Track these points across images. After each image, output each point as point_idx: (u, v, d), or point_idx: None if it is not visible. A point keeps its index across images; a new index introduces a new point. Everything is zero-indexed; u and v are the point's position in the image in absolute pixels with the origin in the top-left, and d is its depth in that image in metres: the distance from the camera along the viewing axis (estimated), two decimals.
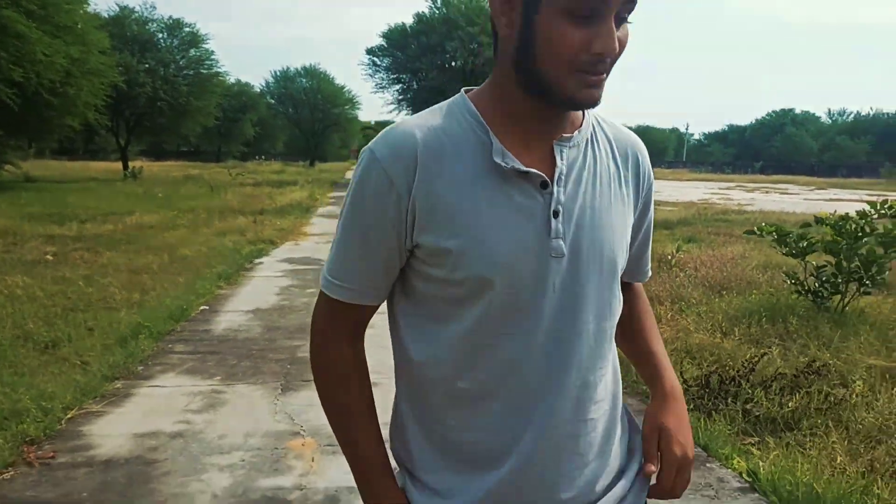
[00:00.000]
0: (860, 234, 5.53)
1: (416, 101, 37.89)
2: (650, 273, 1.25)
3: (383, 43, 38.03)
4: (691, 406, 3.74)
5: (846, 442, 3.22)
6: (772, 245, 6.38)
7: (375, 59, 38.54)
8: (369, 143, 0.98)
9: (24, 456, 3.08)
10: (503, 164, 0.94)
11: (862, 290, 5.78)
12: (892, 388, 3.82)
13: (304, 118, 59.62)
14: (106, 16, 31.14)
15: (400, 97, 39.17)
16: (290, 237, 11.57)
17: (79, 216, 13.24)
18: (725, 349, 4.63)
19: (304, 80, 61.84)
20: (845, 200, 24.29)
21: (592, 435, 1.02)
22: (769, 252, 8.56)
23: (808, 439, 3.26)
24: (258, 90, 61.17)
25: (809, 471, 2.78)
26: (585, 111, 1.03)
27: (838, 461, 2.98)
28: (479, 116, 0.98)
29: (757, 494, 2.77)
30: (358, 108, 65.66)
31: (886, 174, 46.24)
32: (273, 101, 61.66)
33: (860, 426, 3.37)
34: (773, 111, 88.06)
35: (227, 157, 59.90)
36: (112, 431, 3.39)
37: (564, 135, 0.99)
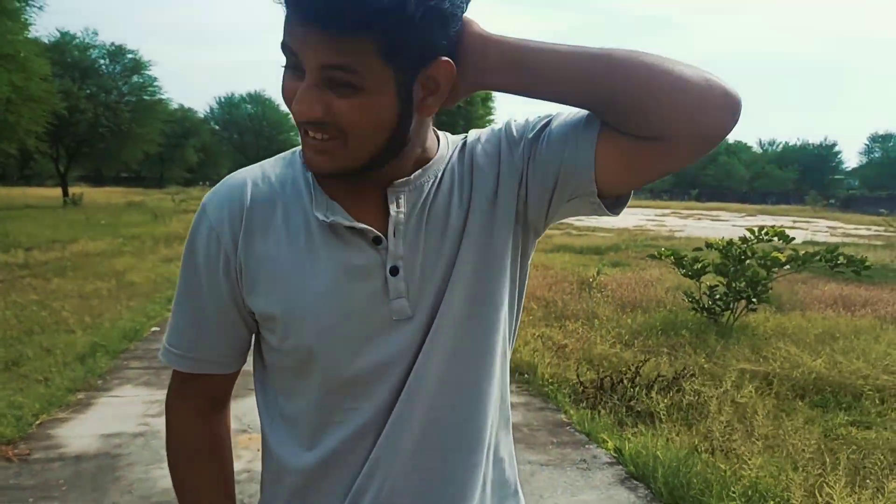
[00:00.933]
0: (743, 257, 6.36)
1: None
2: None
3: None
4: (584, 404, 4.41)
5: (696, 426, 3.93)
6: (671, 267, 7.17)
7: None
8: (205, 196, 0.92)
9: (3, 453, 3.52)
10: (324, 218, 0.84)
11: (749, 307, 6.61)
12: (751, 384, 4.56)
13: (249, 144, 59.70)
14: (46, 41, 30.96)
15: None
16: None
17: (22, 243, 13.29)
18: (624, 358, 5.32)
19: (248, 107, 62.08)
20: (769, 226, 25.85)
21: None
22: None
23: (672, 427, 3.95)
24: (202, 115, 61.00)
25: (661, 447, 3.46)
26: (441, 140, 0.93)
27: (678, 439, 3.70)
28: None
29: (620, 466, 3.46)
30: None
31: (811, 201, 48.89)
32: (217, 127, 61.56)
33: (710, 414, 4.09)
34: None
35: (170, 183, 59.29)
36: (80, 433, 3.85)
37: (400, 179, 0.87)
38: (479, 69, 0.82)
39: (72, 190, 31.19)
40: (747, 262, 6.36)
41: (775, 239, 6.26)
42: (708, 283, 6.69)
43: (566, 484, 3.31)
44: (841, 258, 6.25)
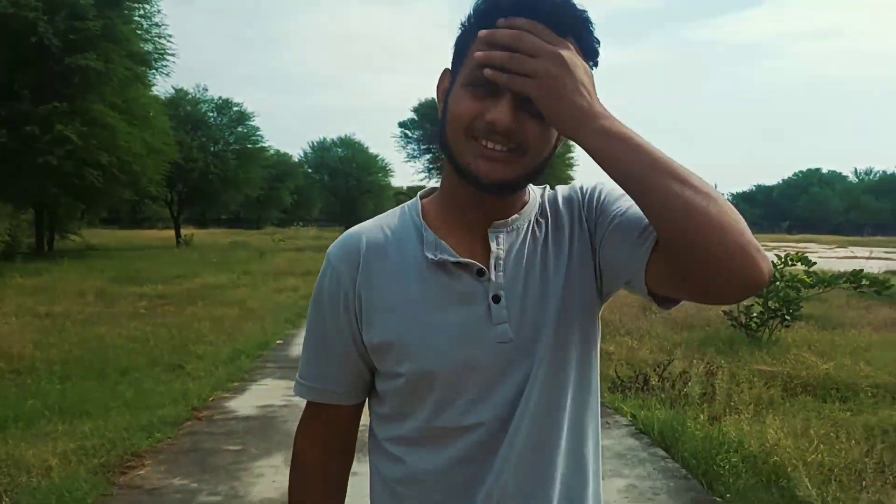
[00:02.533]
0: (772, 280, 7.31)
1: (444, 168, 40.43)
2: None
3: (414, 116, 40.87)
4: (618, 392, 5.57)
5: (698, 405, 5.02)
6: None
7: (407, 131, 41.38)
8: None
9: (196, 416, 5.01)
10: (433, 256, 0.97)
11: (784, 323, 7.53)
12: (754, 378, 5.60)
13: (340, 185, 62.57)
14: (163, 98, 34.42)
15: (430, 166, 41.85)
16: None
17: (152, 279, 15.23)
18: (659, 361, 6.40)
19: (339, 150, 65.15)
20: (859, 258, 25.66)
21: None
22: None
23: (679, 405, 5.07)
24: (296, 160, 64.61)
25: (663, 414, 4.60)
26: (531, 193, 1.05)
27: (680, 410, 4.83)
28: (419, 212, 1.04)
29: (633, 427, 4.63)
30: (391, 176, 68.77)
31: None
32: (310, 170, 65.02)
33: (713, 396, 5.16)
34: (800, 171, 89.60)
35: (266, 224, 62.80)
36: (243, 405, 5.34)
37: (499, 220, 1.00)
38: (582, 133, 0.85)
39: (183, 231, 34.26)
40: (777, 283, 7.31)
41: (798, 264, 7.18)
42: (746, 304, 7.66)
43: None
44: (865, 280, 7.13)
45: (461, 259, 0.97)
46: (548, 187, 1.10)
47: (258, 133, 38.89)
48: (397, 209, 1.10)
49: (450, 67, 0.99)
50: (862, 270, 7.36)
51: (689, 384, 5.45)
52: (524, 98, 0.87)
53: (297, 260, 21.73)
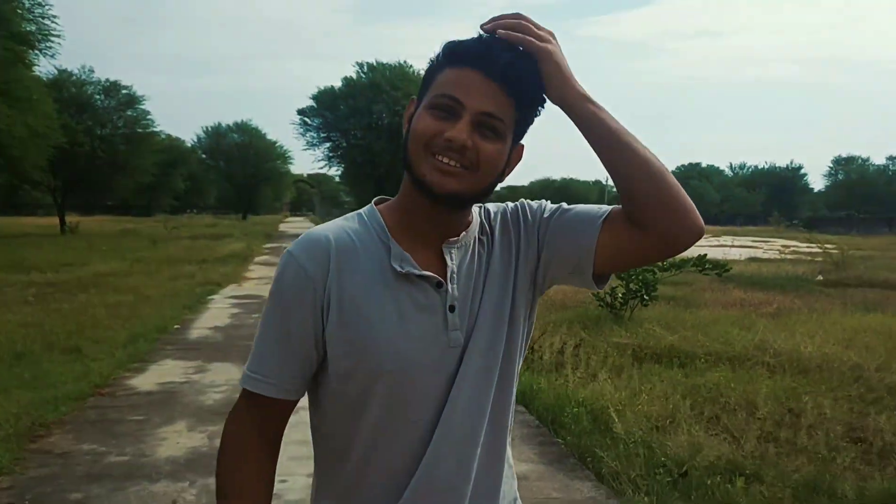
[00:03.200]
0: None
1: (346, 157, 40.53)
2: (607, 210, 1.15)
3: (313, 104, 40.58)
4: None
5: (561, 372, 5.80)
6: None
7: (306, 118, 41.04)
8: (288, 248, 1.12)
9: (98, 392, 5.31)
10: (399, 268, 1.07)
11: (642, 303, 8.49)
12: (609, 349, 6.45)
13: (236, 172, 61.20)
14: (45, 79, 32.68)
15: (330, 154, 41.76)
16: (232, 281, 13.66)
17: (38, 267, 14.72)
18: (542, 341, 7.17)
19: (235, 136, 63.64)
20: (726, 246, 27.93)
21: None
22: None
23: (546, 373, 5.83)
24: (189, 145, 62.65)
25: (524, 378, 5.32)
26: (474, 213, 1.17)
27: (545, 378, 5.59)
28: (383, 224, 1.12)
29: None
30: (290, 163, 67.89)
31: (774, 222, 51.36)
32: (204, 156, 63.19)
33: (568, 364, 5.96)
34: (682, 165, 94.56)
35: (158, 211, 60.64)
36: (143, 382, 5.67)
37: (452, 238, 1.12)
38: (561, 92, 1.07)
39: (67, 219, 32.79)
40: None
41: None
42: (611, 286, 8.57)
43: None
44: (707, 264, 8.17)
45: (424, 272, 1.08)
46: (490, 206, 1.23)
47: (149, 117, 37.65)
48: (354, 215, 1.17)
49: (415, 97, 1.13)
50: (706, 255, 8.43)
51: (552, 354, 6.22)
52: (480, 122, 1.03)
53: (191, 248, 21.47)
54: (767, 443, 4.32)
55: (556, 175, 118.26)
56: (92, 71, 36.27)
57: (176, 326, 8.41)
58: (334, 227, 1.14)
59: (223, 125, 64.32)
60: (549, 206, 1.21)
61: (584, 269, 1.13)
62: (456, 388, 1.10)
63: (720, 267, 8.15)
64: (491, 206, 1.22)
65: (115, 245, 22.13)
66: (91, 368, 5.95)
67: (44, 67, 35.96)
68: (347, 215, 1.18)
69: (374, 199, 1.19)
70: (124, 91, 36.58)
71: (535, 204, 1.21)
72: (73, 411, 4.85)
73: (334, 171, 48.80)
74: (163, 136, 44.85)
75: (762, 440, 4.37)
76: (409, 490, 1.09)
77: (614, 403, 4.66)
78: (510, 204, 1.23)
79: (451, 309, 1.09)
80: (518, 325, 1.16)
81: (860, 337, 7.24)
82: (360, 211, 1.18)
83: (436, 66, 1.08)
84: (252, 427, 1.13)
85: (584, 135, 1.09)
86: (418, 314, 1.08)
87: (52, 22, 21.91)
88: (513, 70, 1.03)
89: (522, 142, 1.14)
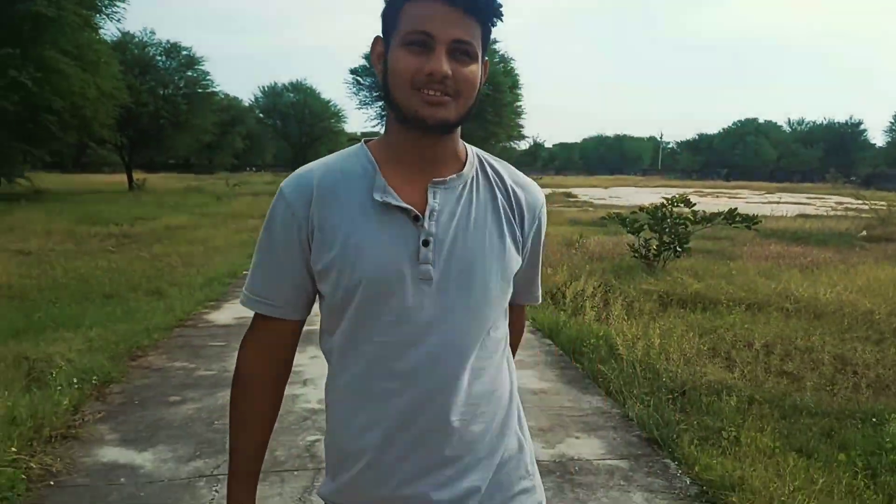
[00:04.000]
0: (664, 217, 8.69)
1: None
2: (540, 298, 1.44)
3: (365, 63, 41.05)
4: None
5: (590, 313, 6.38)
6: (619, 226, 9.55)
7: (358, 78, 41.60)
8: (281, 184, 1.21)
9: (181, 324, 6.15)
10: (379, 199, 1.13)
11: (675, 254, 8.94)
12: (636, 295, 6.99)
13: (292, 131, 62.31)
14: (110, 41, 33.98)
15: (382, 113, 42.29)
16: None
17: (114, 220, 15.82)
18: (573, 287, 7.74)
19: (291, 95, 64.52)
20: (784, 203, 27.72)
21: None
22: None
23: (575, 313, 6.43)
24: (247, 105, 63.93)
25: (552, 316, 5.95)
26: (469, 154, 1.23)
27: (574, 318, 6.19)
28: (371, 158, 1.19)
29: (532, 326, 5.95)
30: (344, 122, 68.63)
31: (831, 179, 50.02)
32: (261, 115, 64.46)
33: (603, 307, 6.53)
34: (738, 121, 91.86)
35: (219, 169, 62.36)
36: (220, 318, 6.51)
37: (439, 178, 1.16)
38: None
39: (135, 176, 34.40)
40: (668, 220, 8.68)
41: (682, 205, 8.57)
42: (645, 237, 9.04)
43: None
44: (737, 217, 8.56)
45: (402, 204, 1.13)
46: (486, 155, 1.29)
47: (208, 77, 38.80)
48: (345, 151, 1.25)
49: (381, 35, 1.17)
50: (736, 209, 8.80)
51: (580, 297, 6.81)
52: (454, 49, 1.09)
53: (254, 204, 22.40)
54: (768, 373, 4.85)
55: (610, 132, 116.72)
56: (153, 33, 37.66)
57: (245, 272, 9.26)
58: (322, 163, 1.24)
59: (279, 85, 65.40)
60: (539, 248, 1.35)
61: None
62: (434, 327, 1.15)
63: (749, 220, 8.52)
64: (539, 194, 1.32)
65: (182, 201, 23.27)
66: (173, 306, 6.81)
67: (107, 30, 37.17)
68: (345, 150, 1.27)
69: (363, 139, 1.26)
70: (184, 52, 37.73)
71: (542, 233, 1.34)
72: (163, 339, 5.70)
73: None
74: (221, 96, 46.08)
75: (767, 372, 4.88)
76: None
77: (630, 338, 5.24)
78: (544, 218, 1.33)
79: (425, 243, 1.14)
80: (508, 274, 1.24)
81: (880, 286, 7.58)
82: (350, 148, 1.27)
83: (393, 1, 1.14)
84: (260, 350, 1.26)
85: None
86: (393, 240, 1.14)
87: None
88: (477, 4, 1.11)
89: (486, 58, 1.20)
